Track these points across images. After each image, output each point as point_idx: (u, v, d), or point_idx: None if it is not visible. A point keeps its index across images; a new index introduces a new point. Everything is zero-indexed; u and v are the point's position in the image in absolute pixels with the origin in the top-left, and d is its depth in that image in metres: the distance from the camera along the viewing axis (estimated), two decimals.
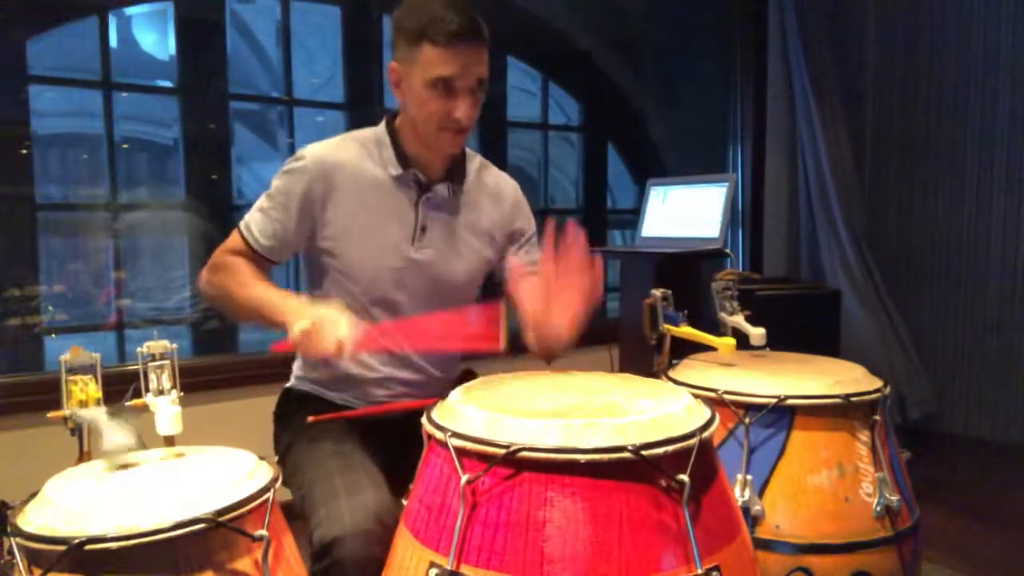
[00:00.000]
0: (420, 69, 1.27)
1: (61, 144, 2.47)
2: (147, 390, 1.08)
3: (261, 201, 1.37)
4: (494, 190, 1.49)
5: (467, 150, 1.46)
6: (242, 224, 1.37)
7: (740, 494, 1.26)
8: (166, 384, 1.09)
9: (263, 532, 0.88)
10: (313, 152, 1.35)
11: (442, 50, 1.24)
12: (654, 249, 2.58)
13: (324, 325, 1.12)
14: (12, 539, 0.83)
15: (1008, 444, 3.22)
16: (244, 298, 1.28)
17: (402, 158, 1.37)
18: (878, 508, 1.25)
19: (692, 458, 0.87)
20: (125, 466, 0.99)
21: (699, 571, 0.85)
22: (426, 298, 1.40)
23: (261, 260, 1.37)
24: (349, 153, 1.37)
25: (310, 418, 1.24)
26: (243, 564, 0.87)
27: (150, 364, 1.09)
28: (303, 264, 1.47)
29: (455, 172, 1.42)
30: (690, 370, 1.46)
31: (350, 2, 2.88)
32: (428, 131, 1.32)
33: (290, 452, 1.34)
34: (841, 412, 1.28)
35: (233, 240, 1.37)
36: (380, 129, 1.41)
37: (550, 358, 1.32)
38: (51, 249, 2.40)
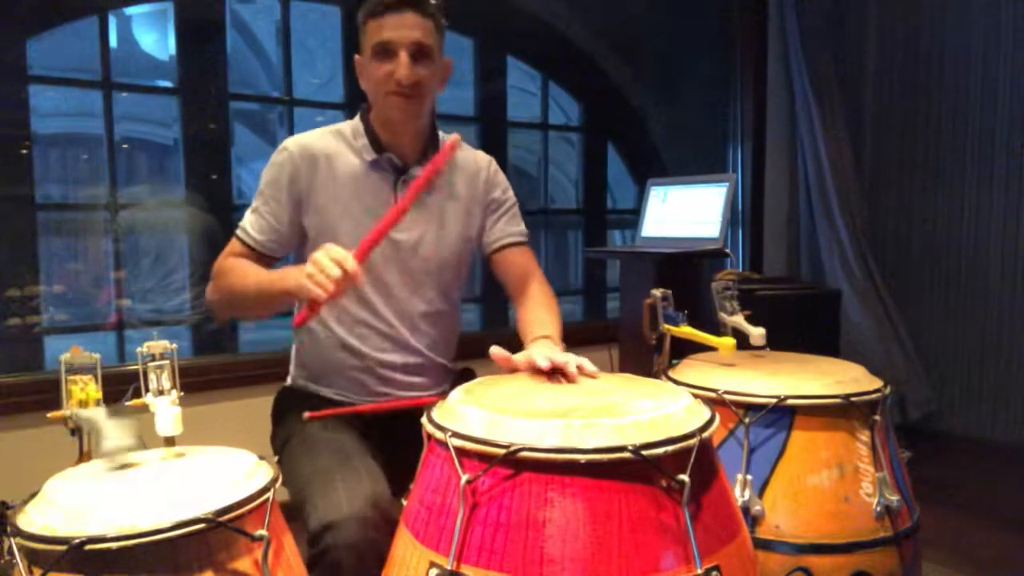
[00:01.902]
0: (367, 45, 1.36)
1: (61, 144, 2.47)
2: (147, 390, 1.08)
3: (253, 203, 1.42)
4: (469, 167, 1.52)
5: (440, 132, 1.50)
6: (238, 229, 1.42)
7: (740, 494, 1.26)
8: (166, 384, 1.09)
9: (263, 532, 0.88)
10: (294, 142, 1.40)
11: (378, 19, 1.34)
12: (654, 249, 2.58)
13: (320, 259, 1.14)
14: (12, 539, 0.83)
15: (1008, 444, 3.22)
16: (246, 287, 1.31)
17: (376, 144, 1.42)
18: (878, 508, 1.25)
19: (692, 458, 0.87)
20: (125, 466, 0.99)
21: (699, 571, 0.85)
22: (414, 276, 1.44)
23: (261, 258, 1.40)
24: (328, 143, 1.42)
25: (307, 414, 1.25)
26: (243, 564, 0.87)
27: (150, 364, 1.09)
28: (294, 260, 1.49)
29: (429, 154, 1.45)
30: (690, 370, 1.46)
31: (350, 2, 2.88)
32: (378, 101, 1.38)
33: (287, 449, 1.34)
34: (841, 412, 1.28)
35: (231, 246, 1.41)
36: (355, 120, 1.46)
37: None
38: (51, 249, 2.40)
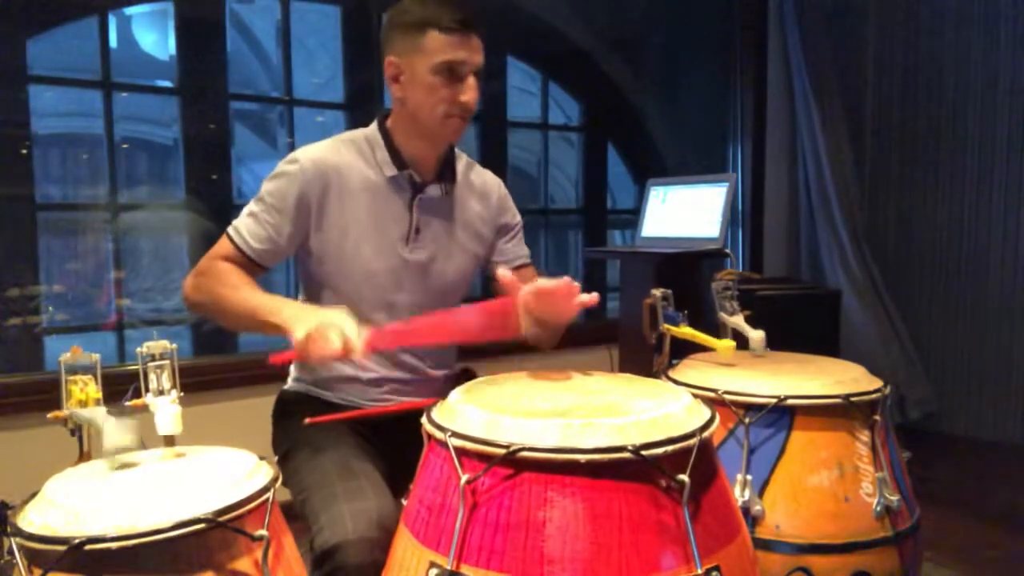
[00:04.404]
0: (425, 56, 1.29)
1: (61, 144, 2.47)
2: (147, 390, 1.08)
3: (251, 206, 1.35)
4: (480, 188, 1.51)
5: (455, 150, 1.48)
6: (230, 230, 1.35)
7: (740, 494, 1.26)
8: (166, 384, 1.08)
9: (263, 532, 0.88)
10: (307, 155, 1.34)
11: (449, 36, 1.28)
12: (654, 249, 2.58)
13: (328, 327, 1.09)
14: (12, 539, 0.83)
15: (1008, 444, 3.22)
16: (236, 302, 1.25)
17: (396, 159, 1.38)
18: (878, 508, 1.25)
19: (692, 458, 0.87)
20: (125, 466, 0.99)
21: (699, 571, 0.85)
22: (422, 297, 1.42)
23: (251, 266, 1.34)
24: (342, 156, 1.37)
25: (307, 420, 1.24)
26: (243, 564, 0.87)
27: (150, 364, 1.09)
28: (300, 276, 1.47)
29: (446, 172, 1.44)
30: (690, 370, 1.46)
31: (350, 2, 2.88)
32: (433, 118, 1.33)
33: (289, 456, 1.33)
34: (841, 412, 1.28)
35: (221, 246, 1.35)
36: (372, 130, 1.41)
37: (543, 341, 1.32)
38: (51, 249, 2.40)
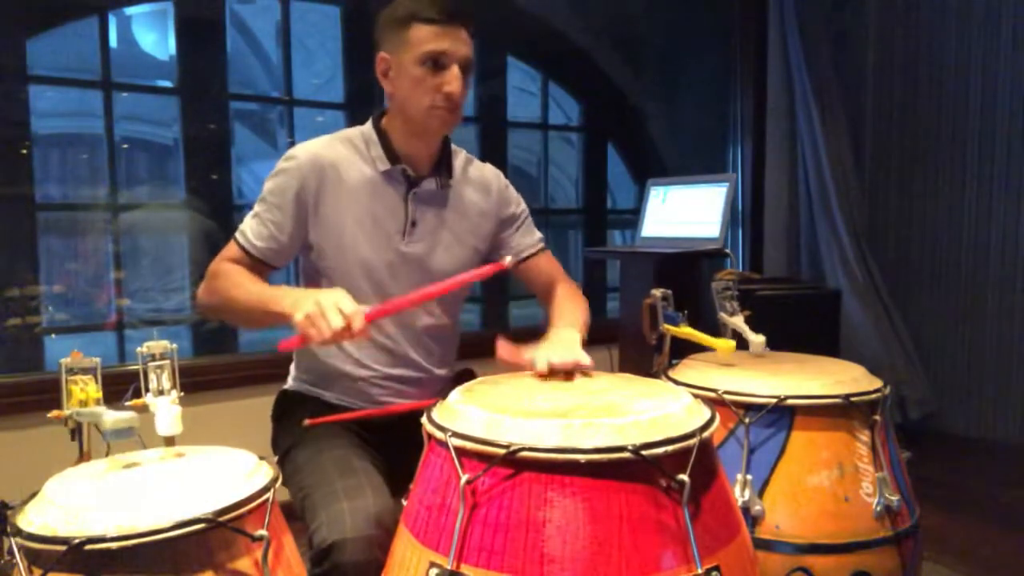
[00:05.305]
0: (411, 49, 1.31)
1: (61, 144, 2.47)
2: (147, 390, 1.08)
3: (255, 208, 1.38)
4: (480, 182, 1.51)
5: (453, 146, 1.49)
6: (237, 233, 1.38)
7: (740, 494, 1.26)
8: (166, 384, 1.09)
9: (263, 532, 0.89)
10: (304, 151, 1.37)
11: (431, 27, 1.30)
12: (654, 249, 2.58)
13: (327, 306, 1.09)
14: (12, 539, 0.83)
15: (1008, 444, 3.22)
16: (242, 297, 1.27)
17: (390, 154, 1.39)
18: (878, 508, 1.25)
19: (692, 458, 0.87)
20: (127, 466, 0.99)
21: (699, 571, 0.85)
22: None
23: (258, 265, 1.37)
24: (338, 152, 1.39)
25: (307, 421, 1.24)
26: (243, 564, 0.87)
27: (150, 364, 1.09)
28: (301, 271, 1.48)
29: (442, 167, 1.44)
30: (690, 370, 1.46)
31: (350, 2, 2.88)
32: (420, 111, 1.34)
33: (289, 455, 1.34)
34: (841, 412, 1.28)
35: (229, 249, 1.38)
36: (367, 127, 1.43)
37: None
38: (51, 249, 2.41)
